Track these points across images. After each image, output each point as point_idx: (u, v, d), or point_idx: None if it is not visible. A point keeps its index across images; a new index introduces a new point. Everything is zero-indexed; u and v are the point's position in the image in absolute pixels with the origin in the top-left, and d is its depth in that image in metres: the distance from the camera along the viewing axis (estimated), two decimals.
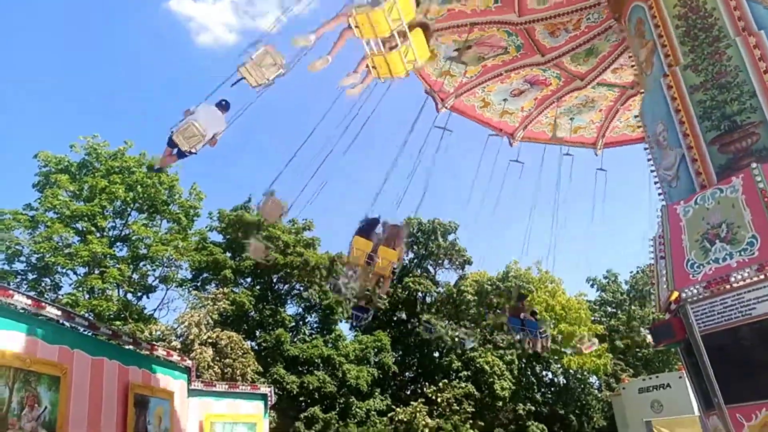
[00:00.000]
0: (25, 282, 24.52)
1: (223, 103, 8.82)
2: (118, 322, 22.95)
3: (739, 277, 7.91)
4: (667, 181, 9.84)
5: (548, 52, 14.57)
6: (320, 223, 46.59)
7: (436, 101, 16.14)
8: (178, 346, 22.07)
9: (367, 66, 8.31)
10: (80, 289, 24.56)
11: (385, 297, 12.28)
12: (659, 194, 10.74)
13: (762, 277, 7.69)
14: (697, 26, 9.69)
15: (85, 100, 58.04)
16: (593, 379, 37.83)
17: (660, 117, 9.91)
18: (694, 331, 8.35)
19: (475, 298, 34.77)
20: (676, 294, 8.66)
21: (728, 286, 8.00)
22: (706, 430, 11.56)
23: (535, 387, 35.33)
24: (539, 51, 14.48)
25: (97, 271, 24.61)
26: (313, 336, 31.35)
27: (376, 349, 31.23)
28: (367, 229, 11.28)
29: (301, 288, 31.54)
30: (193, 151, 8.39)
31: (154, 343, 13.90)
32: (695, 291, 8.39)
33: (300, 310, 32.77)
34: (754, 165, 8.33)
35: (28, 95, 51.04)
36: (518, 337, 14.05)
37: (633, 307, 39.82)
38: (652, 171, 11.16)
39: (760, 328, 7.74)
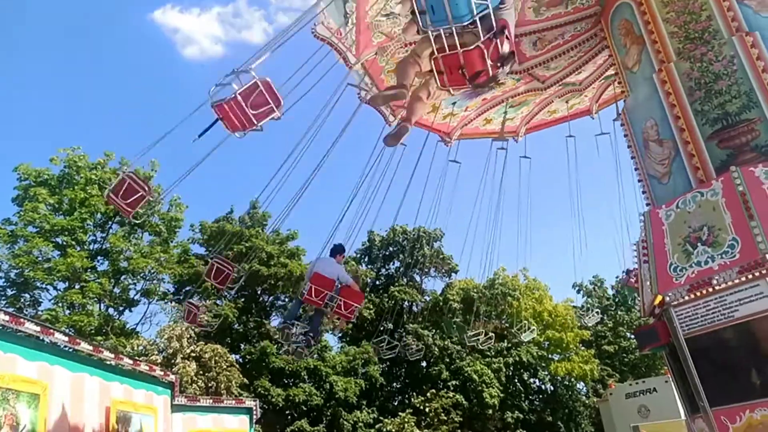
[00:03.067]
0: (3, 298, 24.05)
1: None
2: (99, 338, 22.54)
3: (721, 279, 7.97)
4: (657, 177, 9.77)
5: (547, 79, 14.91)
6: (304, 231, 46.32)
7: (444, 140, 16.85)
8: (160, 361, 21.75)
9: None
10: (60, 304, 24.10)
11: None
12: (643, 192, 10.79)
13: (743, 279, 7.76)
14: (689, 24, 9.76)
15: (67, 111, 57.42)
16: (580, 385, 37.88)
17: (651, 113, 9.91)
18: (678, 335, 8.40)
19: (462, 306, 34.75)
20: (659, 298, 8.71)
21: (711, 289, 8.05)
22: None
23: (522, 395, 35.27)
24: (538, 80, 14.86)
25: (77, 286, 24.20)
26: None
27: (363, 361, 30.99)
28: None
29: (286, 299, 31.26)
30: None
31: (136, 358, 13.66)
32: (678, 294, 8.44)
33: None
34: (733, 168, 8.42)
35: (8, 105, 50.32)
36: None
37: (620, 312, 39.99)
38: (636, 170, 11.21)
39: (742, 330, 7.79)
